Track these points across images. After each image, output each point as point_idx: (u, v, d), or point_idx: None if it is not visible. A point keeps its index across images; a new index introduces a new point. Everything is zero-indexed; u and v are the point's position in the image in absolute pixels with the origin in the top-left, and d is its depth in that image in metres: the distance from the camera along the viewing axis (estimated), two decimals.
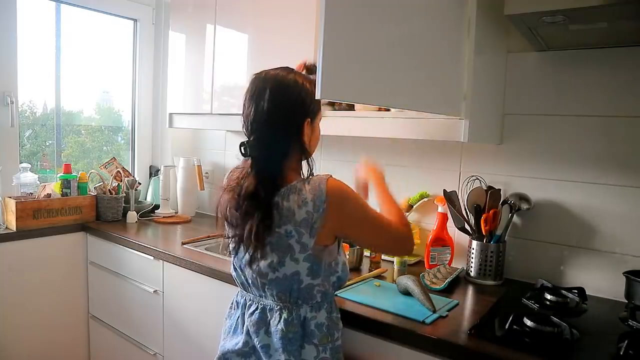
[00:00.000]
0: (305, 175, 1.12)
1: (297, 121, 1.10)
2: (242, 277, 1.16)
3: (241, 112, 1.14)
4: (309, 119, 1.12)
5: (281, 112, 1.08)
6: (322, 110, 1.17)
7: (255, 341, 1.12)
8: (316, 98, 1.05)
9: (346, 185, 1.10)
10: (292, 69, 1.14)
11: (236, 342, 1.17)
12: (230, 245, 1.18)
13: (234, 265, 1.19)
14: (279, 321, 1.10)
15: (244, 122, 1.12)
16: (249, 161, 1.10)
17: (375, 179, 1.30)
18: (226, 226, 1.17)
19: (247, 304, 1.17)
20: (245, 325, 1.16)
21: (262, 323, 1.12)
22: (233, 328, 1.20)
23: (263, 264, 1.09)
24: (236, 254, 1.17)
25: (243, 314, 1.18)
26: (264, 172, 1.08)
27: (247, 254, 1.11)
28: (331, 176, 1.09)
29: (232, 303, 1.25)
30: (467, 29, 1.32)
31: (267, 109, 1.07)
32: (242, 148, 1.10)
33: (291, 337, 1.08)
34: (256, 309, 1.14)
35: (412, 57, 1.20)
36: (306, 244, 1.06)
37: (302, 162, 1.13)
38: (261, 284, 1.11)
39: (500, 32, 1.54)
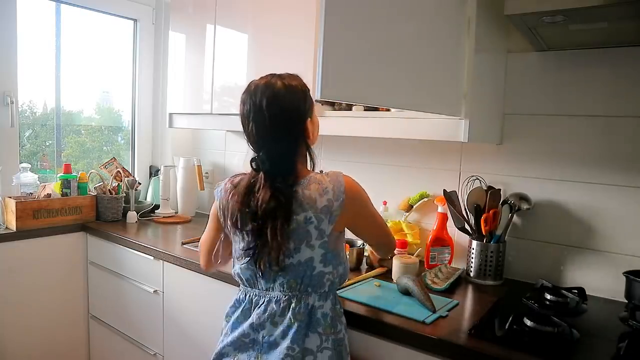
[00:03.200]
0: (310, 167, 1.19)
1: (300, 126, 1.14)
2: (248, 273, 1.17)
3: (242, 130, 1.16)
4: (309, 119, 1.16)
5: (283, 124, 1.12)
6: (314, 100, 1.19)
7: (262, 333, 1.13)
8: (316, 99, 1.06)
9: (359, 184, 1.17)
10: (277, 75, 1.15)
11: (234, 336, 1.17)
12: (236, 234, 1.19)
13: (241, 263, 1.18)
14: (288, 311, 1.12)
15: (248, 140, 1.16)
16: (261, 174, 1.13)
17: None
18: (237, 236, 1.18)
19: (253, 299, 1.18)
20: (248, 320, 1.16)
21: (269, 315, 1.14)
22: (232, 325, 1.20)
23: (281, 251, 1.10)
24: (245, 250, 1.17)
25: (247, 309, 1.18)
26: (277, 181, 1.11)
27: (267, 249, 1.11)
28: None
29: (233, 302, 1.25)
30: (467, 29, 1.32)
31: (268, 125, 1.11)
32: (253, 164, 1.15)
33: (297, 325, 1.10)
34: (262, 302, 1.16)
35: (412, 57, 1.20)
36: (324, 230, 1.10)
37: (307, 157, 1.19)
38: (274, 272, 1.13)
39: (500, 32, 1.54)
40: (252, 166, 1.15)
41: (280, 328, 1.12)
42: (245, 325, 1.16)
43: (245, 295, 1.21)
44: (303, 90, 1.14)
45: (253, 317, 1.15)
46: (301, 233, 1.10)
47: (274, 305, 1.14)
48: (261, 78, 1.15)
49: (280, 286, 1.14)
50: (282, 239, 1.09)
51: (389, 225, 1.76)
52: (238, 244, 1.19)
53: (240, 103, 1.16)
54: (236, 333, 1.17)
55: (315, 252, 1.11)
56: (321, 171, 1.20)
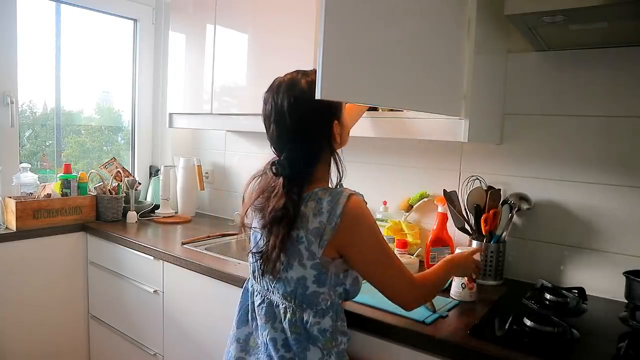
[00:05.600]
0: (334, 182, 1.12)
1: (325, 128, 1.08)
2: (254, 267, 1.17)
3: (265, 132, 1.12)
4: (336, 121, 1.09)
5: (307, 125, 1.06)
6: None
7: (264, 334, 1.12)
8: (315, 99, 1.03)
9: (366, 208, 1.06)
10: (303, 72, 1.10)
11: (248, 332, 1.19)
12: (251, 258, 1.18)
13: (250, 250, 1.18)
14: (285, 319, 1.10)
15: (270, 142, 1.11)
16: (281, 179, 1.08)
17: (460, 261, 1.25)
18: (252, 241, 1.18)
19: (255, 293, 1.18)
20: (255, 317, 1.17)
21: (269, 317, 1.12)
22: (243, 316, 1.21)
23: (277, 264, 1.08)
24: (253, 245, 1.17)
25: (252, 303, 1.19)
26: (294, 190, 1.06)
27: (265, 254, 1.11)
28: (355, 193, 1.06)
29: (243, 289, 1.25)
30: (467, 29, 1.32)
31: (290, 125, 1.05)
32: (273, 168, 1.08)
33: (295, 337, 1.09)
34: (263, 301, 1.15)
35: (412, 57, 1.20)
36: (314, 252, 1.04)
37: (332, 166, 1.13)
38: (270, 280, 1.12)
39: (500, 32, 1.54)
40: (272, 170, 1.08)
41: (282, 334, 1.10)
42: (252, 325, 1.17)
43: (251, 286, 1.21)
44: None
45: (256, 318, 1.16)
46: (293, 250, 1.05)
47: (275, 309, 1.12)
48: (286, 75, 1.10)
49: (278, 293, 1.12)
50: (280, 252, 1.05)
51: (388, 226, 1.77)
52: (250, 236, 1.19)
53: (263, 102, 1.11)
54: (245, 331, 1.19)
55: (308, 272, 1.05)
56: (340, 184, 1.12)
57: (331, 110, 1.09)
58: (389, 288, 1.10)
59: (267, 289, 1.15)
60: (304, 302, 1.09)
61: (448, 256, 1.28)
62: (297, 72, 1.11)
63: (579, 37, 1.34)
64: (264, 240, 1.11)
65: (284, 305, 1.11)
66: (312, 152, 1.08)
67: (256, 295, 1.18)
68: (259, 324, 1.14)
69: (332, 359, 1.09)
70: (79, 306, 2.25)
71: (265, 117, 1.10)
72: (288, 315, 1.09)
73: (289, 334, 1.09)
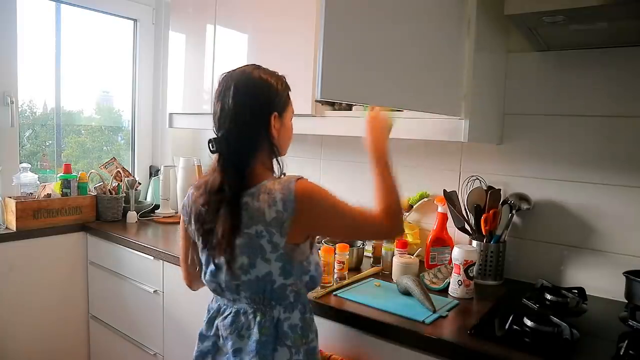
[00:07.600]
0: (277, 175, 1.14)
1: (263, 115, 1.11)
2: (214, 284, 1.13)
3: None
4: (276, 113, 1.12)
5: (246, 107, 1.09)
6: (291, 105, 1.17)
7: (228, 345, 1.10)
8: (316, 99, 1.03)
9: (316, 185, 1.09)
10: (259, 66, 1.15)
11: (206, 345, 1.16)
12: (197, 240, 1.15)
13: (204, 272, 1.15)
14: (254, 325, 1.08)
15: (213, 120, 1.15)
16: (216, 156, 1.12)
17: (375, 143, 1.27)
18: (193, 222, 1.15)
19: (221, 309, 1.15)
20: (214, 329, 1.14)
21: (235, 327, 1.10)
22: (204, 332, 1.18)
23: (234, 266, 1.07)
24: (206, 261, 1.14)
25: (214, 318, 1.16)
26: (229, 167, 1.09)
27: (218, 258, 1.09)
28: (301, 177, 1.08)
29: (207, 308, 1.22)
30: (467, 29, 1.32)
31: (232, 105, 1.09)
32: (210, 144, 1.12)
33: (264, 340, 1.07)
34: (229, 313, 1.12)
35: (412, 57, 1.20)
36: (277, 243, 1.04)
37: (273, 160, 1.14)
38: (235, 286, 1.09)
39: (500, 32, 1.54)
40: (209, 146, 1.12)
41: (248, 342, 1.08)
42: (212, 335, 1.14)
43: (215, 303, 1.18)
44: (277, 87, 1.11)
45: (220, 329, 1.13)
46: (254, 247, 1.05)
47: (242, 317, 1.10)
48: (242, 66, 1.14)
49: (245, 298, 1.10)
50: (231, 253, 1.04)
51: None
52: (200, 249, 1.16)
53: (216, 85, 1.14)
54: (208, 343, 1.15)
55: (273, 266, 1.05)
56: (283, 174, 1.13)
57: (270, 102, 1.11)
58: (365, 233, 1.20)
59: (234, 300, 1.12)
60: (272, 299, 1.08)
61: (372, 159, 1.28)
62: (255, 65, 1.15)
63: (579, 37, 1.35)
64: (208, 216, 1.09)
65: (252, 310, 1.09)
66: (248, 135, 1.10)
67: (222, 311, 1.14)
68: (223, 335, 1.12)
69: (300, 356, 1.08)
70: (79, 306, 2.25)
71: (215, 97, 1.14)
72: (258, 317, 1.08)
73: (255, 338, 1.07)
